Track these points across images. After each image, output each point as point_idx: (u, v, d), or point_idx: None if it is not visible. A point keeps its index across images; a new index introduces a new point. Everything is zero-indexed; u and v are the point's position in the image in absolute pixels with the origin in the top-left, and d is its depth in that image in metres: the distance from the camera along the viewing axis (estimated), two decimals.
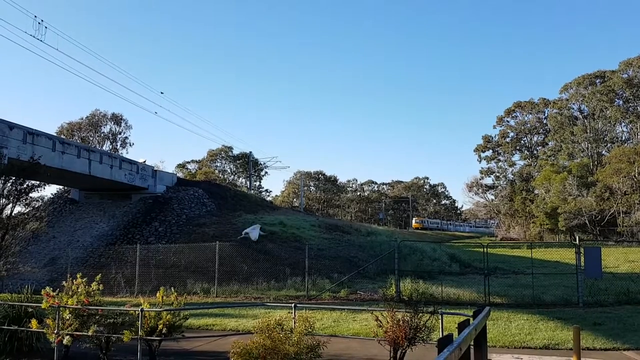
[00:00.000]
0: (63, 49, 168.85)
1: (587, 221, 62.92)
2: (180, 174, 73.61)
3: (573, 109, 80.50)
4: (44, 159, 26.12)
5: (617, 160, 62.21)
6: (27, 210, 23.74)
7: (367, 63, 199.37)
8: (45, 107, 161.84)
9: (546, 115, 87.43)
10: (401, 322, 9.54)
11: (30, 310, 11.94)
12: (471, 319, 7.21)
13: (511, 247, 47.41)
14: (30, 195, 22.48)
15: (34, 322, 10.80)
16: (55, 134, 46.15)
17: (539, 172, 77.88)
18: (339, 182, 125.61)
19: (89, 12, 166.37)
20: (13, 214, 21.53)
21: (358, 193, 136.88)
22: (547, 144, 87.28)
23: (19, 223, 21.85)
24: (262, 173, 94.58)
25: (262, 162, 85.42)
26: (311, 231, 36.16)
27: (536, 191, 77.34)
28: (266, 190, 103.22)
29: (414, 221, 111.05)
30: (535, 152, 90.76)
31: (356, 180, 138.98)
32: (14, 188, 21.09)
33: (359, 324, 14.91)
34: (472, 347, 6.48)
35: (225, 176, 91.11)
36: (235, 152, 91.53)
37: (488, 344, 9.10)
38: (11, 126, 28.29)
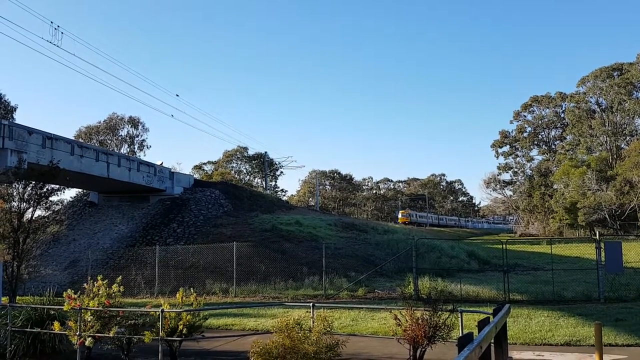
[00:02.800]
0: (79, 54, 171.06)
1: (607, 216, 62.06)
2: (196, 175, 74.11)
3: (591, 102, 79.38)
4: (63, 163, 26.45)
5: (637, 153, 61.30)
6: (47, 213, 24.15)
7: (381, 61, 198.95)
8: (64, 112, 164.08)
9: (564, 109, 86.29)
10: (420, 320, 9.51)
11: (52, 312, 12.09)
12: (491, 316, 7.18)
13: (530, 243, 46.94)
14: (50, 199, 22.89)
15: (56, 325, 10.96)
16: (73, 138, 46.76)
17: (558, 167, 76.93)
18: (354, 180, 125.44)
19: (104, 15, 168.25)
20: (33, 218, 21.90)
21: (374, 191, 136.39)
22: (565, 138, 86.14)
23: (40, 226, 22.24)
24: (278, 173, 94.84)
25: (277, 162, 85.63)
26: (327, 230, 36.17)
27: (555, 186, 76.43)
28: (282, 190, 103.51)
29: (400, 214, 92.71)
30: (553, 146, 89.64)
31: (372, 179, 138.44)
32: (34, 192, 21.47)
33: (378, 323, 14.88)
34: (492, 345, 6.44)
35: (241, 176, 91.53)
36: (251, 152, 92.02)
37: (508, 341, 9.04)
38: (30, 131, 28.74)
